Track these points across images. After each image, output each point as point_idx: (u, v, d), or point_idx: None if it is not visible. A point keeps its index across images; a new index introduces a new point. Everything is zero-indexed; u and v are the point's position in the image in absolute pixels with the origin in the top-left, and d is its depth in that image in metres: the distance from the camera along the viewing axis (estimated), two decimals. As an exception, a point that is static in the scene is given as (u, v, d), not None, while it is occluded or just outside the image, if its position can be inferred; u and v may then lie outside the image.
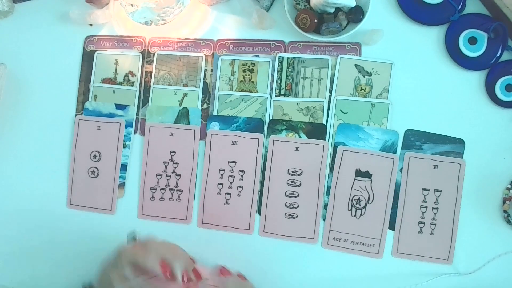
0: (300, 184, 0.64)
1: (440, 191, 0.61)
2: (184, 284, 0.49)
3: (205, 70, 0.67)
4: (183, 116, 0.66)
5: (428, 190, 0.61)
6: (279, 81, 0.65)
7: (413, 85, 0.63)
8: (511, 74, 0.60)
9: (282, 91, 0.65)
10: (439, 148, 0.61)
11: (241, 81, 0.66)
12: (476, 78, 0.62)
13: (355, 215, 0.62)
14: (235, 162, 0.65)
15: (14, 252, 0.69)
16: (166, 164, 0.66)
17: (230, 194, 0.65)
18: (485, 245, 0.61)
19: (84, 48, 0.69)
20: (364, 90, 0.63)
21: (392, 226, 0.62)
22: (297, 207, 0.64)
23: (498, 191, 0.61)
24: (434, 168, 0.61)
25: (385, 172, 0.62)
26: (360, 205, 0.62)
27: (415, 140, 0.62)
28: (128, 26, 0.69)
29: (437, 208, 0.61)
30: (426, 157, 0.61)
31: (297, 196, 0.64)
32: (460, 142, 0.61)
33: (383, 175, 0.62)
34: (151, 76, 0.68)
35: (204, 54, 0.67)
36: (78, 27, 0.69)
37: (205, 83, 0.67)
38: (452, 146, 0.61)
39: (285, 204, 0.64)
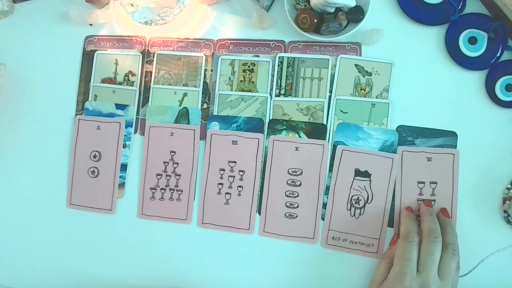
0: (300, 184, 0.64)
1: (436, 183, 0.61)
2: None
3: (205, 70, 0.67)
4: (183, 116, 0.66)
5: (423, 182, 0.61)
6: (279, 81, 0.65)
7: (413, 85, 0.63)
8: (511, 74, 0.60)
9: (282, 91, 0.65)
10: (431, 142, 0.61)
11: (241, 81, 0.66)
12: (476, 78, 0.62)
13: (354, 214, 0.63)
14: (235, 162, 0.65)
15: (14, 252, 0.69)
16: (166, 164, 0.66)
17: (230, 194, 0.65)
18: (485, 245, 0.61)
19: (84, 48, 0.69)
20: (364, 90, 0.63)
21: (390, 224, 0.62)
22: (297, 207, 0.64)
23: (498, 191, 0.61)
24: (428, 160, 0.61)
25: (384, 172, 0.62)
26: (359, 204, 0.62)
27: (407, 136, 0.62)
28: (128, 26, 0.69)
29: (434, 200, 0.61)
30: (419, 150, 0.61)
31: (297, 196, 0.64)
32: (453, 134, 0.61)
33: (382, 175, 0.62)
34: (151, 76, 0.68)
35: (204, 54, 0.67)
36: (78, 27, 0.69)
37: (205, 83, 0.67)
38: (445, 139, 0.61)
39: (285, 204, 0.64)
